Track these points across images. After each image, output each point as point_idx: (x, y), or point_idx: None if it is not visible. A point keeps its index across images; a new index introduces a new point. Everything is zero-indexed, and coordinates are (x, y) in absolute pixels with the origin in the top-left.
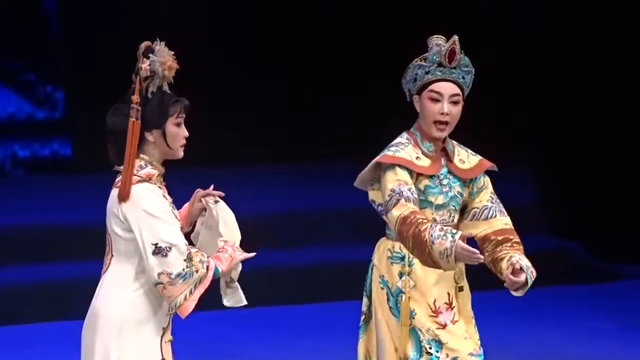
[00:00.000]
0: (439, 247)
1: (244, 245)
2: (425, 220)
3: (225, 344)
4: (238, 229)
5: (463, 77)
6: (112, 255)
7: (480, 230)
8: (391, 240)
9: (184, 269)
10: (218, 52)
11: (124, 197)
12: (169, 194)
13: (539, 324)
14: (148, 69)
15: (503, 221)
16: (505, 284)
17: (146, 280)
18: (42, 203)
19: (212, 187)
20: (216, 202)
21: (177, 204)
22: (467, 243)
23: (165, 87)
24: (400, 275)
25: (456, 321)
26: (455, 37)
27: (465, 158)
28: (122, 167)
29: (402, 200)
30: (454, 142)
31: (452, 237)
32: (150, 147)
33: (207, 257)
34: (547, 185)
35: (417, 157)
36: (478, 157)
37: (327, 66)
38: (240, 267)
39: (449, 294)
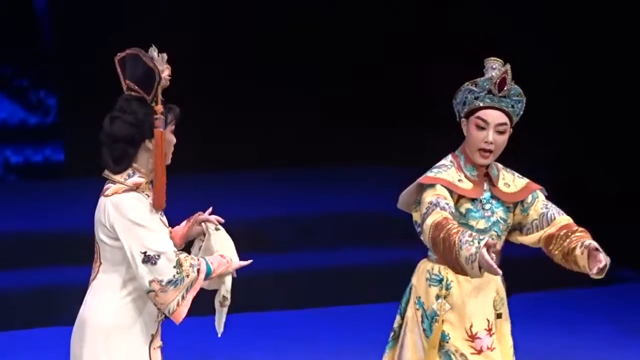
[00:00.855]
0: (465, 252)
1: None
2: (457, 226)
3: (218, 349)
4: (237, 256)
5: (512, 106)
6: (100, 263)
7: (543, 231)
8: (431, 262)
9: (174, 276)
10: (212, 58)
11: (161, 205)
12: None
13: (542, 328)
14: (168, 78)
15: (565, 218)
16: (590, 271)
17: (134, 288)
18: (34, 209)
19: (210, 210)
20: (217, 229)
21: (171, 209)
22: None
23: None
24: (437, 297)
25: (494, 348)
26: (508, 66)
27: (511, 181)
28: (112, 175)
29: (437, 209)
30: (500, 166)
31: (479, 243)
32: (145, 155)
33: (198, 259)
34: (548, 189)
35: (460, 180)
36: (525, 180)
37: (325, 69)
38: (230, 283)
39: (488, 320)
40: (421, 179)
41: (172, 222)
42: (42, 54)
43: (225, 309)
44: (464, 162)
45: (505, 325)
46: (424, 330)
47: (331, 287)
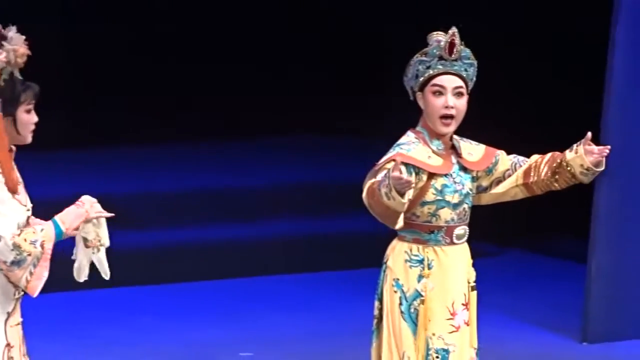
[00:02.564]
0: (384, 189)
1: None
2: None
3: (81, 324)
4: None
5: (466, 70)
6: None
7: (518, 172)
8: (407, 242)
9: (15, 257)
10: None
11: (14, 187)
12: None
13: None
14: (5, 61)
15: (535, 156)
16: (592, 160)
17: None
18: None
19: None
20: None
21: (40, 185)
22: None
23: (17, 73)
24: (420, 278)
25: (468, 323)
26: (454, 29)
27: (471, 150)
28: None
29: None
30: (456, 137)
31: (388, 171)
32: None
33: (42, 229)
34: None
35: (429, 157)
36: (482, 146)
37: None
38: (90, 227)
39: (465, 294)
40: (393, 156)
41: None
42: None
43: (92, 251)
44: (428, 137)
45: (474, 295)
46: (401, 313)
47: (197, 263)
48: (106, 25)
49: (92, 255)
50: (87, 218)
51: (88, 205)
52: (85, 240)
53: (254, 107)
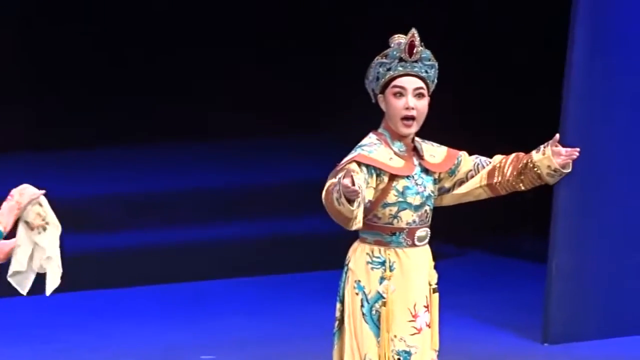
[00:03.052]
0: (335, 193)
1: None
2: (336, 182)
3: (41, 329)
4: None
5: (426, 72)
6: None
7: (482, 172)
8: (369, 244)
9: None
10: (46, 35)
11: None
12: None
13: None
14: None
15: (498, 156)
16: (560, 162)
17: None
18: None
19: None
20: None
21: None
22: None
23: None
24: (381, 280)
25: (429, 325)
26: (414, 30)
27: (433, 152)
28: None
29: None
30: (418, 139)
31: (339, 179)
32: None
33: None
34: None
35: (390, 158)
36: (444, 148)
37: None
38: (29, 208)
39: (426, 296)
40: (354, 157)
41: None
42: None
43: (38, 231)
44: (390, 139)
45: (436, 297)
46: (363, 315)
47: (157, 266)
48: (73, 24)
49: (37, 237)
50: (20, 208)
51: (17, 196)
52: (27, 223)
53: (223, 107)
